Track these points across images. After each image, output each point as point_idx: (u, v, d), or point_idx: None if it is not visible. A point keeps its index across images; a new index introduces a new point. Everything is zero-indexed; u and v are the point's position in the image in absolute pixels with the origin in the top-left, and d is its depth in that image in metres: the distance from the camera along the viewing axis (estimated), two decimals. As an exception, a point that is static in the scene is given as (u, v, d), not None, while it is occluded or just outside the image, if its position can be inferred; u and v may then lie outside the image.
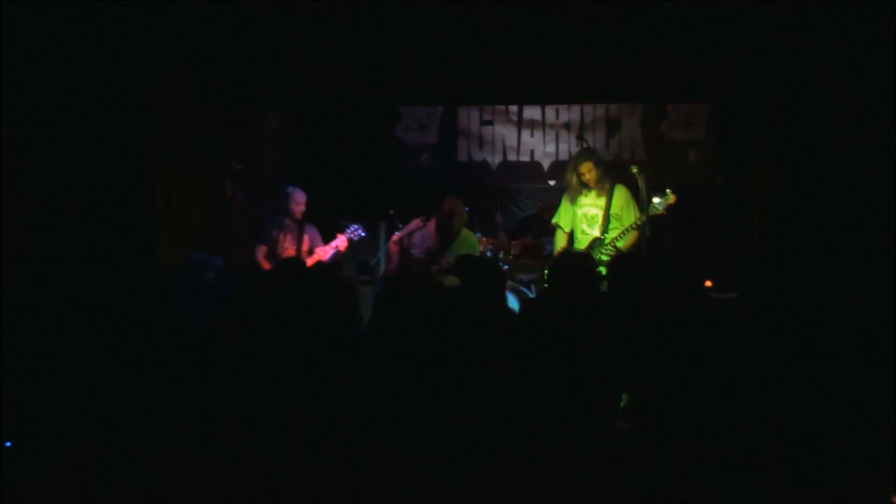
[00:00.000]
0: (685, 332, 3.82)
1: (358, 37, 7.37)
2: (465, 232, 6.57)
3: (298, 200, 6.53)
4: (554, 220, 6.25)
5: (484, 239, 6.96)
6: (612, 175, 6.12)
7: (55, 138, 5.92)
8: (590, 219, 6.03)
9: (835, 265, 6.14)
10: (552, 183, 7.64)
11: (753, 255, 6.64)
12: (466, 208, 6.83)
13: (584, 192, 6.02)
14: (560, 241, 6.20)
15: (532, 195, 8.00)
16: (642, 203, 5.86)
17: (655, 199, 5.76)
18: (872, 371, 3.82)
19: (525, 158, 8.06)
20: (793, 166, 6.84)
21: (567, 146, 7.99)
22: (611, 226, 5.91)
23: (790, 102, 6.87)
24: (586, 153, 6.23)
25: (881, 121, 6.08)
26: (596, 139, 7.76)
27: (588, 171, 5.98)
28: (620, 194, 6.00)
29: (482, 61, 7.54)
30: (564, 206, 6.18)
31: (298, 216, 6.53)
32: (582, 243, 6.04)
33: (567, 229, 6.14)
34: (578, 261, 4.47)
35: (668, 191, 5.80)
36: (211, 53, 7.02)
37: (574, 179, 6.04)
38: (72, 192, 5.97)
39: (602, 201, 5.98)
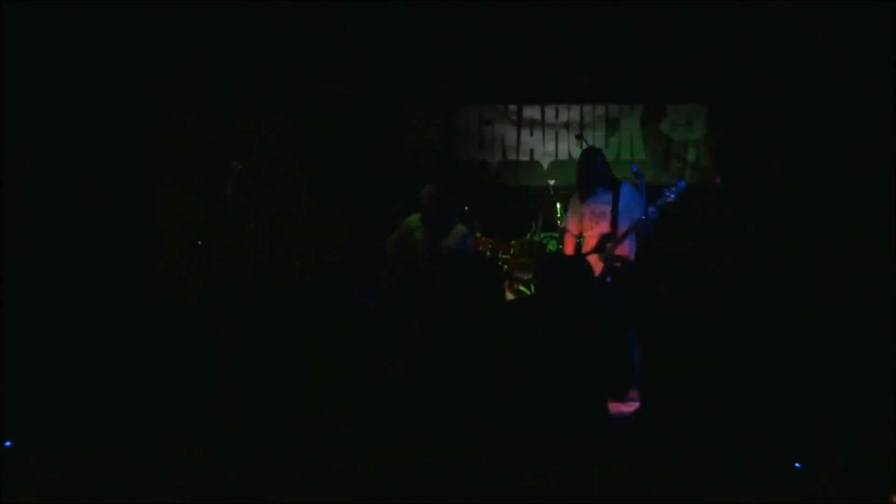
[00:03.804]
0: (685, 330, 3.83)
1: (358, 37, 7.39)
2: (458, 227, 6.47)
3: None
4: (561, 225, 6.23)
5: (484, 238, 6.95)
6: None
7: (56, 138, 5.93)
8: (598, 215, 6.01)
9: (834, 264, 6.15)
10: (552, 182, 7.63)
11: (753, 255, 6.64)
12: (466, 208, 6.80)
13: (591, 192, 5.99)
14: (569, 244, 6.17)
15: (532, 195, 7.99)
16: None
17: (666, 191, 5.74)
18: (872, 370, 3.82)
19: (524, 158, 8.06)
20: (792, 166, 6.85)
21: (567, 146, 7.99)
22: (620, 221, 5.88)
23: (789, 102, 6.88)
24: (594, 150, 6.24)
25: (881, 120, 6.09)
26: (596, 139, 7.75)
27: (603, 163, 5.98)
28: (627, 190, 5.99)
29: (482, 61, 7.55)
30: (572, 208, 6.16)
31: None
32: (591, 240, 6.01)
33: (575, 232, 6.12)
34: (571, 263, 4.49)
35: (681, 180, 5.77)
36: (212, 53, 7.03)
37: (586, 177, 6.01)
38: (73, 192, 5.98)
39: (608, 197, 5.96)
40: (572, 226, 6.11)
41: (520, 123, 8.05)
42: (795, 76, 6.79)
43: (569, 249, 6.13)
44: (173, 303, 5.94)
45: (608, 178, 5.98)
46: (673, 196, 5.68)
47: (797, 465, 3.44)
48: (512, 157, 8.06)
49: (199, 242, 6.79)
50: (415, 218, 6.37)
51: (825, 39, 6.50)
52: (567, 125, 8.00)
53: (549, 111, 8.04)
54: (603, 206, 5.96)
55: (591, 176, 5.98)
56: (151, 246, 6.56)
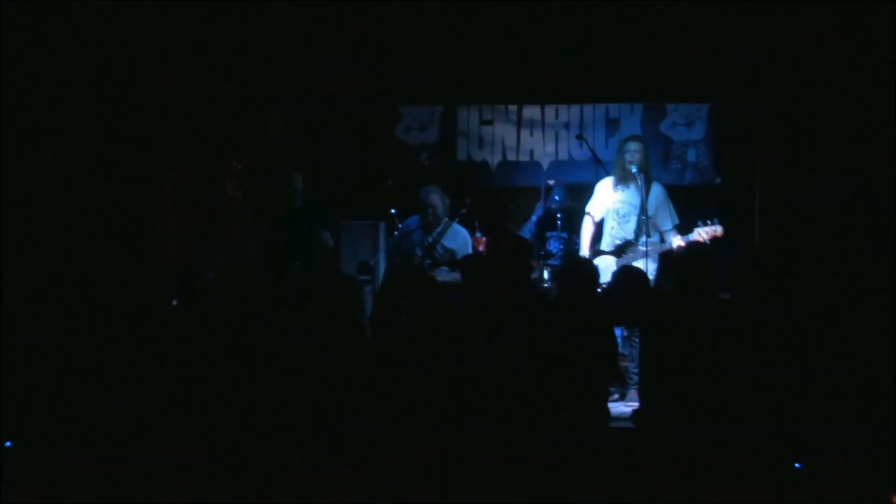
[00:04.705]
0: (692, 332, 3.83)
1: (358, 37, 7.39)
2: (455, 226, 6.45)
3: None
4: (587, 208, 6.15)
5: (484, 238, 6.94)
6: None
7: (56, 137, 5.93)
8: (621, 217, 5.92)
9: (835, 265, 6.14)
10: (551, 183, 7.63)
11: (753, 255, 6.63)
12: (465, 207, 6.79)
13: (625, 181, 5.91)
14: (587, 230, 6.08)
15: (531, 195, 7.99)
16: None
17: (700, 226, 5.68)
18: (873, 370, 3.82)
19: (525, 158, 8.06)
20: (793, 166, 6.85)
21: (566, 146, 7.99)
22: (643, 229, 5.78)
23: (790, 102, 6.88)
24: (634, 136, 6.25)
25: (881, 120, 6.09)
26: (596, 139, 7.76)
27: (637, 150, 5.89)
28: (657, 195, 5.90)
29: (482, 61, 7.55)
30: (599, 193, 6.08)
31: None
32: (608, 242, 5.94)
33: (598, 218, 6.03)
34: (584, 267, 4.51)
35: (716, 219, 5.69)
36: (212, 53, 7.03)
37: (620, 163, 5.93)
38: (72, 191, 5.98)
39: (637, 199, 5.86)
40: (597, 212, 6.03)
41: (520, 123, 8.05)
42: (796, 76, 6.79)
43: (586, 234, 6.04)
44: (173, 303, 5.94)
45: (643, 173, 5.86)
46: (706, 236, 5.61)
47: (797, 465, 3.44)
48: (512, 157, 8.06)
49: (199, 244, 6.80)
50: (415, 219, 6.38)
51: (825, 39, 6.50)
52: (567, 125, 8.00)
53: (549, 111, 8.04)
54: (630, 207, 5.86)
55: (625, 167, 5.88)
56: (151, 246, 6.56)
